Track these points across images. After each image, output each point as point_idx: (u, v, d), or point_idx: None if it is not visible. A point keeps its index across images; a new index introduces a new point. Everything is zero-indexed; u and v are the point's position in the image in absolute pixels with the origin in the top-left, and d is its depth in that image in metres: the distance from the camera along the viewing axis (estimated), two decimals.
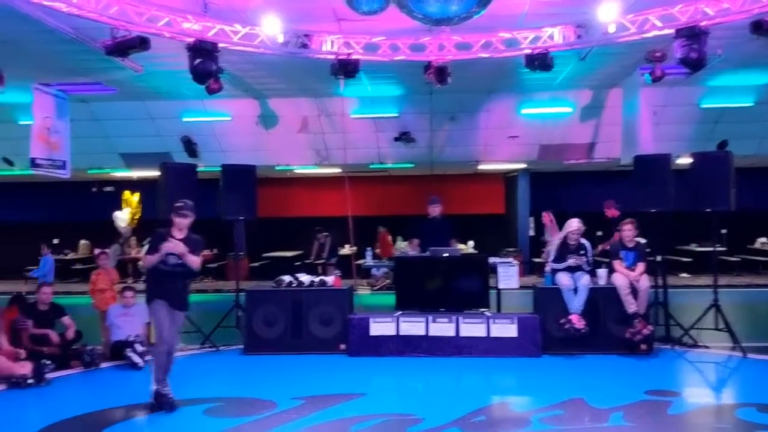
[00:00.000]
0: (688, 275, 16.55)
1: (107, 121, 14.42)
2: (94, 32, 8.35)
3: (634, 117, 11.96)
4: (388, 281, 14.74)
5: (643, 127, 11.80)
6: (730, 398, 6.86)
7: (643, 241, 8.83)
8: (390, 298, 9.01)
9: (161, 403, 6.13)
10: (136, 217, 17.87)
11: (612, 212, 11.05)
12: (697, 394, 6.86)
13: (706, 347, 8.48)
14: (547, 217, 10.89)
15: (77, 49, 9.48)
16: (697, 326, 8.59)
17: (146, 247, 6.64)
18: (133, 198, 17.80)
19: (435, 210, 9.79)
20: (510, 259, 9.39)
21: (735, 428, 5.67)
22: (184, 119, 14.25)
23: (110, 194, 19.00)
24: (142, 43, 7.72)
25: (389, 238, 16.81)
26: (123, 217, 17.71)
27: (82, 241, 19.37)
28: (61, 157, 11.79)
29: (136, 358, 7.92)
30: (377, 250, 17.10)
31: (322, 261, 16.01)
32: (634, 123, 11.93)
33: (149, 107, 13.99)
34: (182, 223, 6.34)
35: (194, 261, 6.28)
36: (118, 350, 8.24)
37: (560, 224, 9.42)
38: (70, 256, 19.04)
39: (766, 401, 6.21)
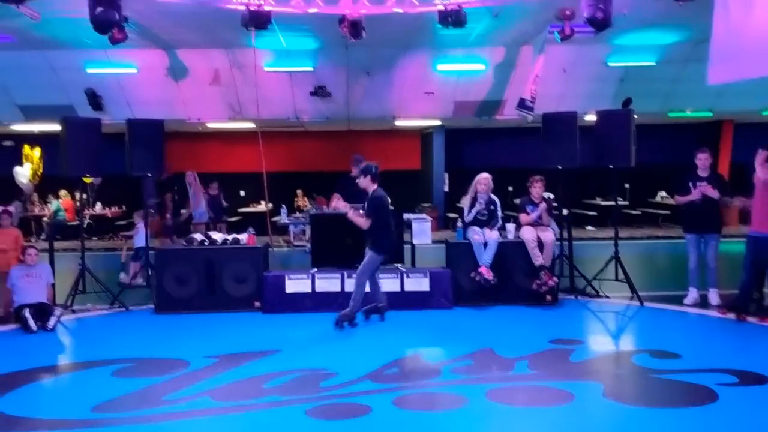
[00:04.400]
0: (594, 228, 17.27)
1: (5, 72, 13.53)
2: None
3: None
4: (306, 238, 14.62)
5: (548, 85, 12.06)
6: (628, 345, 7.25)
7: (551, 196, 9.12)
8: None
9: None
10: (39, 172, 16.99)
11: None
12: (598, 342, 7.24)
13: (607, 297, 8.93)
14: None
15: None
16: (599, 277, 9.03)
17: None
18: (33, 153, 16.87)
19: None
20: (423, 215, 9.51)
21: (631, 373, 6.01)
22: (88, 70, 13.54)
23: (9, 149, 17.97)
24: None
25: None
26: (24, 173, 16.80)
27: None
28: None
29: (31, 322, 7.62)
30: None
31: (208, 220, 13.79)
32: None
33: (50, 57, 13.20)
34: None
35: None
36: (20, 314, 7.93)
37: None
38: None
39: (658, 347, 6.62)
